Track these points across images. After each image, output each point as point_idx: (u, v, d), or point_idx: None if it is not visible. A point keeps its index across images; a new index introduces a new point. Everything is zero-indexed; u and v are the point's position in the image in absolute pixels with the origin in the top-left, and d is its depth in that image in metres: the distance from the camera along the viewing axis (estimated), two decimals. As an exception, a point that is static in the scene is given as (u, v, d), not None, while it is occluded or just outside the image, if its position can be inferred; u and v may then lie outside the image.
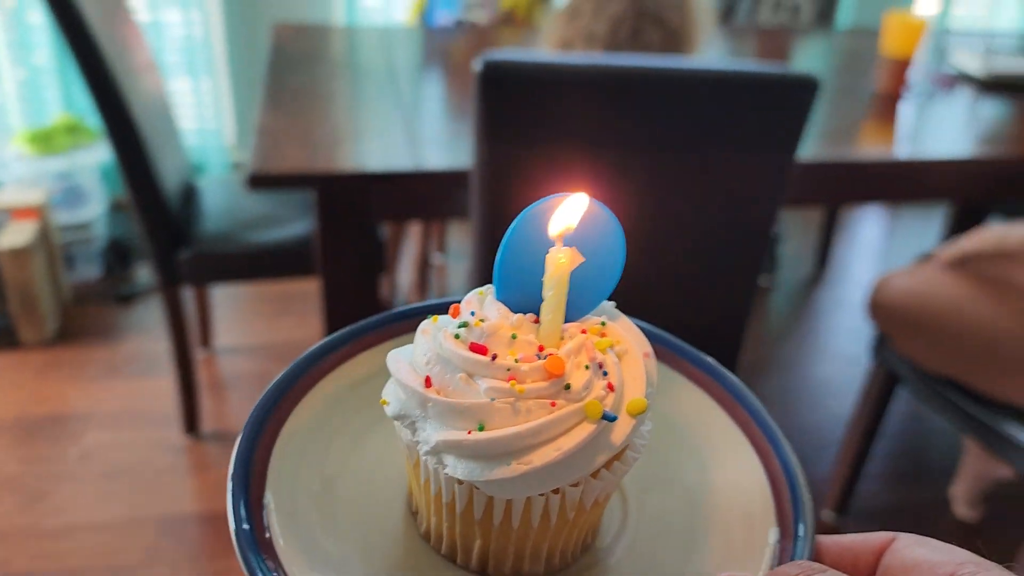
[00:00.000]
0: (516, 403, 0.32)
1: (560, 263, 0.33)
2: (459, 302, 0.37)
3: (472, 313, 0.36)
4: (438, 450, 0.33)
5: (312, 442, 0.39)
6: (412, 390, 0.34)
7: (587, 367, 0.34)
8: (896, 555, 0.33)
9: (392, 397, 0.36)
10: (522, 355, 0.34)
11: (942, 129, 1.65)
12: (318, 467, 0.38)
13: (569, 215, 0.34)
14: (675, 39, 1.16)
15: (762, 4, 2.62)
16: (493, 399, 0.32)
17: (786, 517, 0.37)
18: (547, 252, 0.34)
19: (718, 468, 0.40)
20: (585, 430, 0.33)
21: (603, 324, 0.36)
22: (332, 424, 0.40)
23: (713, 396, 0.43)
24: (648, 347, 0.37)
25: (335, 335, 0.42)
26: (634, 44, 1.16)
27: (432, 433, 0.33)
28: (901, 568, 0.32)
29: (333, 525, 0.36)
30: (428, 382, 0.34)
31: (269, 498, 0.35)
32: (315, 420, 0.40)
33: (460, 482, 0.34)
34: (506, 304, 0.36)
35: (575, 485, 0.34)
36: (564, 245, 0.34)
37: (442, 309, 0.38)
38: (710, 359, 0.43)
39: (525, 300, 0.36)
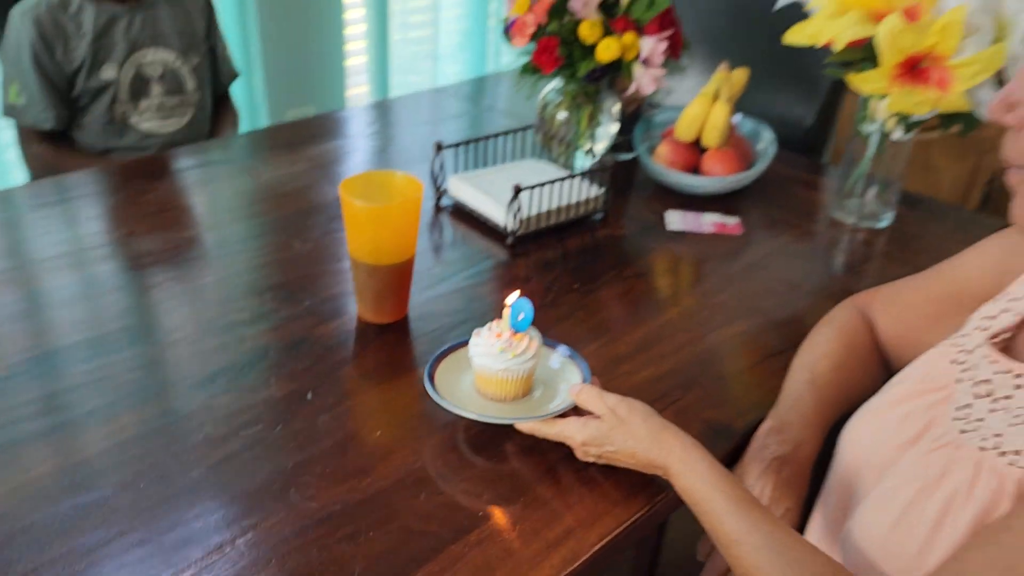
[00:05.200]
0: (505, 352, 1.17)
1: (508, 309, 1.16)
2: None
3: (496, 325, 1.02)
4: (480, 359, 0.94)
5: (452, 360, 1.02)
6: (475, 344, 1.13)
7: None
8: None
9: (472, 348, 0.96)
10: (508, 339, 1.18)
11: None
12: (451, 366, 1.02)
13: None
14: None
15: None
16: (501, 351, 1.16)
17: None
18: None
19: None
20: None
21: (537, 341, 1.01)
22: (460, 357, 1.02)
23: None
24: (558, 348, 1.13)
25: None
26: None
27: (479, 357, 0.93)
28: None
29: (453, 380, 1.00)
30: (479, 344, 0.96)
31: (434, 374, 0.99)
32: (455, 358, 1.01)
33: (489, 368, 0.95)
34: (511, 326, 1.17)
35: (520, 374, 1.01)
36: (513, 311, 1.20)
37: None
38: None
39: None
